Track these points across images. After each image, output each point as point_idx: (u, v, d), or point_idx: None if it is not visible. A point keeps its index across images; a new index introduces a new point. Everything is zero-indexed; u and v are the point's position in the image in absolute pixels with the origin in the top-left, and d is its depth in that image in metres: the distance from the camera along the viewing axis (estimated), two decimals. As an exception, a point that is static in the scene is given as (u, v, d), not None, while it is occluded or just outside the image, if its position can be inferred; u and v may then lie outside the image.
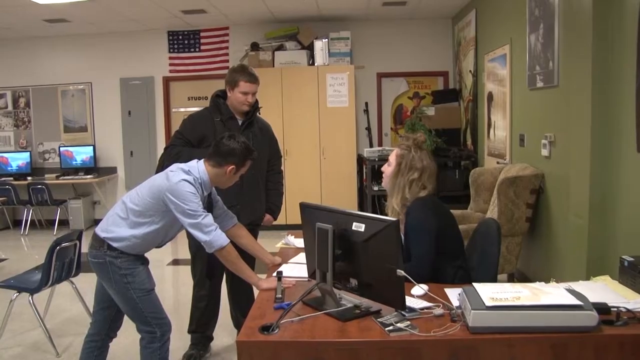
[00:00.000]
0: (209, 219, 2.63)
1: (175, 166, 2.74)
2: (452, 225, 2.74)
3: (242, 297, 3.60)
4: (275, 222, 3.76)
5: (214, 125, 3.40)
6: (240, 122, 3.47)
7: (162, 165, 3.24)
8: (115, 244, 2.68)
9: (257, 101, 3.53)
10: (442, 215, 2.68)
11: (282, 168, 3.83)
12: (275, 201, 3.71)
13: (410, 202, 2.67)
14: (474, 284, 2.09)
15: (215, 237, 2.61)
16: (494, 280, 2.64)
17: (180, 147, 3.37)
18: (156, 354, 2.76)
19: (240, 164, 2.75)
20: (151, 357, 2.76)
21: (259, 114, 3.63)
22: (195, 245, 3.43)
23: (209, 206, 2.81)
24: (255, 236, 3.52)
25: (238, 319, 3.67)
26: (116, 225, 2.70)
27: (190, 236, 3.25)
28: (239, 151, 2.72)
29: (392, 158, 2.75)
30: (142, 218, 2.68)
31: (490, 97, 5.97)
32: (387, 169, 2.78)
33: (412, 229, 2.62)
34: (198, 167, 2.73)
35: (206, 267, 3.47)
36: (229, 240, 2.66)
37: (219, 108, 3.46)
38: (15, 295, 3.85)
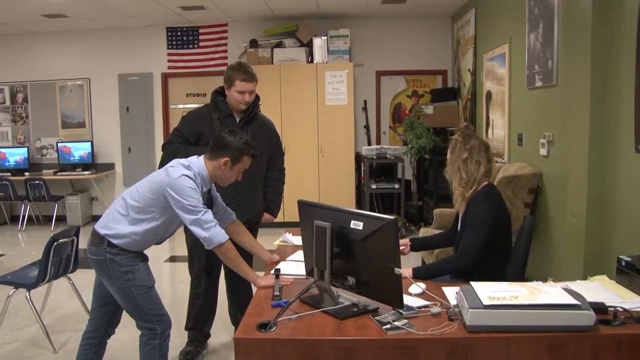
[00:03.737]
0: (209, 215, 2.62)
1: (175, 161, 2.74)
2: (505, 222, 2.84)
3: (240, 294, 3.59)
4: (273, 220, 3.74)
5: (211, 122, 3.38)
6: (237, 120, 3.45)
7: (162, 163, 3.24)
8: (115, 241, 2.67)
9: (257, 98, 3.50)
10: (500, 209, 2.84)
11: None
12: (274, 199, 3.67)
13: (472, 184, 2.85)
14: (471, 282, 2.09)
15: (214, 233, 2.60)
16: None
17: (177, 145, 3.36)
18: (156, 351, 2.75)
19: (235, 159, 2.73)
20: (151, 353, 2.76)
21: (260, 110, 3.61)
22: (192, 242, 3.42)
23: (209, 202, 2.81)
24: (255, 234, 3.51)
25: (236, 316, 3.67)
26: (116, 222, 2.69)
27: (187, 232, 3.25)
28: (234, 145, 2.71)
29: (448, 154, 2.99)
30: (142, 214, 2.67)
31: (489, 96, 5.97)
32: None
33: (470, 217, 2.81)
34: (198, 162, 2.73)
35: (204, 263, 3.47)
36: (228, 237, 2.66)
37: (217, 105, 3.44)
38: (12, 291, 3.84)
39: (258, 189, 3.57)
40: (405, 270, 2.49)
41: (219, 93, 3.49)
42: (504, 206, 2.91)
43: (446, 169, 3.01)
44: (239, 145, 2.72)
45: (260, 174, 3.56)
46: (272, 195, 3.66)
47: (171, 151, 3.30)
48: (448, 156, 2.99)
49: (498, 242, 2.80)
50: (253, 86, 3.40)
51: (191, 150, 3.12)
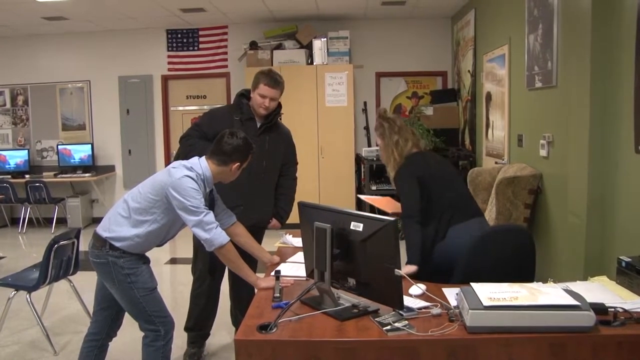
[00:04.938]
0: (210, 216, 2.63)
1: (177, 163, 2.75)
2: (436, 177, 3.02)
3: (244, 296, 3.57)
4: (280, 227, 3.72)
5: (232, 123, 3.34)
6: (258, 125, 3.43)
7: (179, 157, 3.24)
8: (117, 244, 2.67)
9: (280, 106, 3.49)
10: (424, 169, 3.02)
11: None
12: (284, 206, 3.64)
13: (402, 161, 3.08)
14: (472, 283, 2.09)
15: (215, 235, 2.61)
16: None
17: (195, 140, 3.36)
18: (159, 352, 2.76)
19: (244, 160, 2.77)
20: (154, 355, 2.76)
21: (280, 119, 3.59)
22: (197, 242, 3.43)
23: (210, 203, 2.82)
24: (260, 238, 3.50)
25: (237, 318, 3.67)
26: (118, 225, 2.69)
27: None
28: (242, 148, 2.74)
29: (378, 141, 3.23)
30: (144, 216, 2.67)
31: (489, 97, 5.98)
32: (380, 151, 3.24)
33: (397, 191, 3.06)
34: (200, 163, 2.74)
35: (208, 264, 3.46)
36: (229, 239, 2.66)
37: (240, 107, 3.43)
38: (13, 293, 3.85)
39: (269, 194, 3.56)
40: (406, 268, 2.52)
41: (244, 95, 3.48)
42: (427, 164, 3.07)
43: (380, 154, 3.24)
44: (245, 146, 2.75)
45: (272, 179, 3.56)
46: (283, 203, 3.64)
47: (188, 145, 3.32)
48: (379, 143, 3.20)
49: (431, 199, 2.96)
50: (275, 93, 3.37)
51: (209, 147, 3.10)
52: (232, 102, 3.58)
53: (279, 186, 3.63)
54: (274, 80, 3.36)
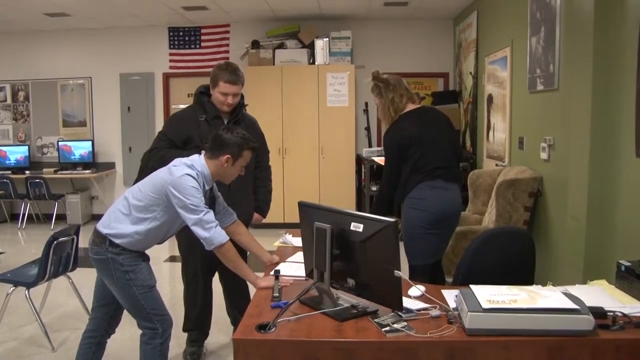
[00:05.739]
0: (210, 215, 2.62)
1: (177, 160, 2.73)
2: (419, 139, 3.29)
3: (237, 294, 3.57)
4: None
5: (198, 124, 3.25)
6: (225, 122, 3.34)
7: (145, 168, 3.16)
8: (117, 241, 2.66)
9: (242, 97, 3.40)
10: (410, 131, 3.30)
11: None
12: (264, 199, 3.59)
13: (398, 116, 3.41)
14: (471, 285, 2.09)
15: (215, 234, 2.60)
16: None
17: (165, 150, 3.20)
18: (157, 350, 2.75)
19: (236, 154, 2.72)
20: (152, 353, 2.75)
21: (245, 110, 3.51)
22: (185, 246, 3.41)
23: (210, 202, 2.81)
24: None
25: (235, 317, 3.66)
26: (118, 222, 2.69)
27: (180, 236, 3.19)
28: (232, 141, 2.70)
29: (375, 101, 3.56)
30: (144, 213, 2.67)
31: (490, 99, 5.97)
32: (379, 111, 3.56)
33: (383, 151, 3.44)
34: (200, 161, 2.73)
35: (199, 265, 3.43)
36: (228, 238, 2.65)
37: (203, 106, 3.32)
38: (11, 289, 3.85)
39: (248, 190, 3.51)
40: None
41: (204, 93, 3.37)
42: (416, 126, 3.33)
43: (378, 112, 3.55)
44: (238, 141, 2.72)
45: (250, 174, 3.48)
46: (262, 195, 3.59)
47: (159, 157, 3.15)
48: (377, 102, 3.51)
49: (416, 155, 3.29)
50: (237, 89, 3.28)
51: (182, 155, 2.96)
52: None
53: (256, 178, 3.55)
54: (234, 76, 3.25)
